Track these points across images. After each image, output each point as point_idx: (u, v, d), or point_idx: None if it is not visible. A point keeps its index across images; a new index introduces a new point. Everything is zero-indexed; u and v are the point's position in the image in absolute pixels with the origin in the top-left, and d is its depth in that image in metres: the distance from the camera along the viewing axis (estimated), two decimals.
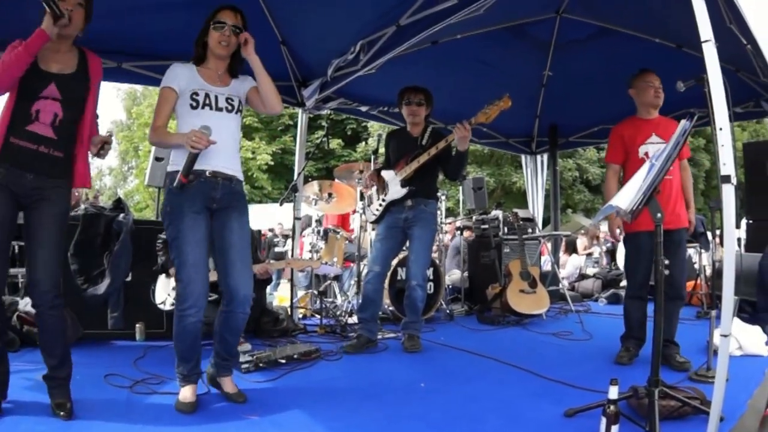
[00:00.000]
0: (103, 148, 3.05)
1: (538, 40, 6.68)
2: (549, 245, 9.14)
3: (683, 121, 2.91)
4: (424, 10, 4.56)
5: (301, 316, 6.32)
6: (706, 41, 2.61)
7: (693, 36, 5.17)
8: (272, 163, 26.92)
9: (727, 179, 2.48)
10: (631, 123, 4.38)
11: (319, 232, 6.25)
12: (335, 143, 26.82)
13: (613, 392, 2.51)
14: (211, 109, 3.17)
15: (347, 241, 6.81)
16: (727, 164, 2.51)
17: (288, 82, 6.11)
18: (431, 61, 6.26)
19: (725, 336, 2.36)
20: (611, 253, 12.02)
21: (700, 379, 3.63)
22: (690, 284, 7.01)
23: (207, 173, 3.12)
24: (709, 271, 7.04)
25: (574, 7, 6.01)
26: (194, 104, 3.15)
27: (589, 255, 12.66)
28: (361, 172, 5.87)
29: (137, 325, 4.81)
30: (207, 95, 3.17)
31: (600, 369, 4.13)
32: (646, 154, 4.12)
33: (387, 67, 5.38)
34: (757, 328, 4.55)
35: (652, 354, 2.84)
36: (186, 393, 3.13)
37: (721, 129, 2.55)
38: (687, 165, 4.47)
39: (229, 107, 3.24)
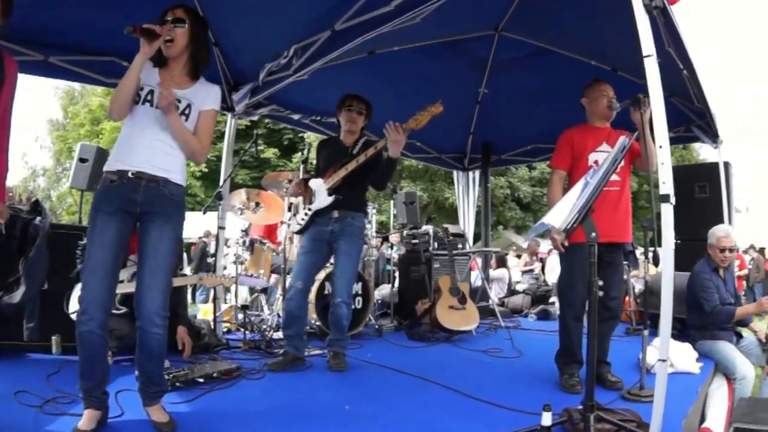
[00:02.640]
0: None
1: (475, 57, 6.69)
2: (479, 261, 9.16)
3: (622, 138, 2.86)
4: (360, 16, 4.46)
5: (225, 330, 6.08)
6: (648, 56, 2.55)
7: (628, 60, 5.28)
8: (206, 170, 26.22)
9: (666, 198, 2.43)
10: (582, 129, 4.24)
11: (244, 242, 6.03)
12: (271, 153, 26.52)
13: (547, 419, 2.43)
14: (150, 105, 2.94)
15: (274, 253, 6.61)
16: (666, 183, 2.46)
17: (219, 85, 5.85)
18: (367, 72, 6.17)
19: (663, 361, 2.29)
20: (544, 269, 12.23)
21: (633, 398, 3.58)
22: None
23: (129, 174, 2.87)
24: (638, 289, 7.17)
25: (513, 25, 6.03)
26: (137, 99, 2.95)
27: (530, 271, 12.82)
28: (290, 181, 5.68)
29: (53, 338, 4.49)
30: (151, 92, 2.95)
31: (531, 388, 4.05)
32: (596, 162, 3.94)
33: (321, 76, 5.27)
34: (688, 345, 4.59)
35: (586, 377, 2.76)
36: (84, 419, 2.78)
37: (660, 147, 2.50)
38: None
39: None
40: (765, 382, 4.96)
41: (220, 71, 5.78)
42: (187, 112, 3.04)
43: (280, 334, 5.38)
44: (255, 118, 6.59)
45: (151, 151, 2.91)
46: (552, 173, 4.29)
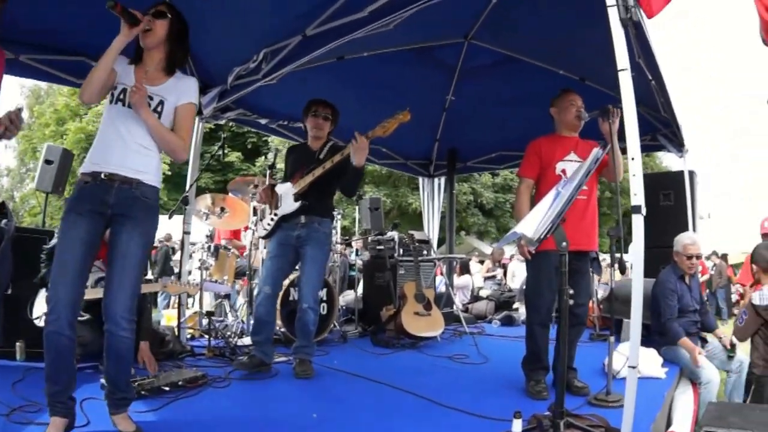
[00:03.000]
0: (8, 127, 2.75)
1: (444, 64, 6.72)
2: (444, 267, 9.22)
3: (595, 149, 2.91)
4: (332, 22, 4.46)
5: (189, 336, 5.99)
6: (623, 70, 2.62)
7: (596, 70, 5.36)
8: (170, 173, 25.88)
9: (637, 209, 2.48)
10: (550, 139, 4.30)
11: (209, 248, 5.97)
12: (234, 156, 26.31)
13: (517, 426, 2.46)
14: (123, 105, 2.91)
15: (239, 258, 6.56)
16: (637, 195, 2.52)
17: None
18: (335, 76, 6.16)
19: (633, 367, 2.34)
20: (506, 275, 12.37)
21: (600, 403, 3.64)
22: None
23: (102, 175, 2.83)
24: (601, 294, 7.31)
25: (483, 34, 6.07)
26: (110, 98, 2.93)
27: (492, 277, 12.96)
28: (256, 186, 5.65)
29: (17, 344, 4.39)
30: (124, 90, 2.92)
31: (498, 395, 4.09)
32: (563, 171, 4.03)
33: (289, 79, 5.25)
34: (653, 351, 4.70)
35: (556, 383, 2.80)
36: (50, 428, 2.71)
37: (633, 159, 2.56)
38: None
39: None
40: (732, 386, 5.08)
41: (189, 73, 5.64)
42: (159, 109, 3.00)
43: (245, 341, 5.37)
44: (222, 122, 6.52)
45: (125, 151, 2.88)
46: (520, 182, 4.33)
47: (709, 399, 4.45)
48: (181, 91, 3.09)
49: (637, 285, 2.56)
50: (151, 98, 2.95)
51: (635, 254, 2.57)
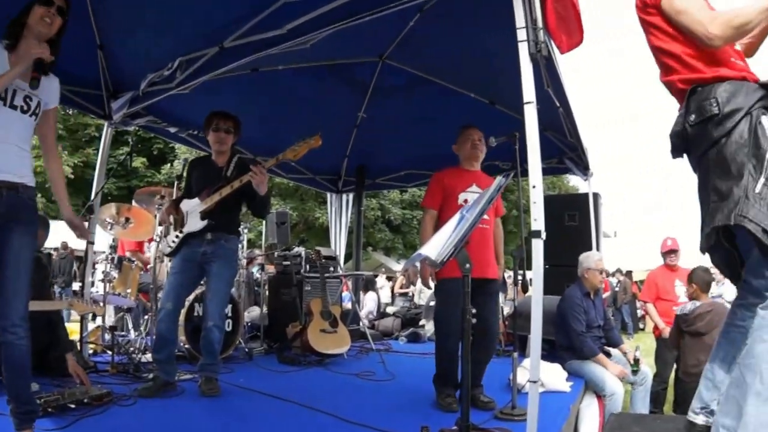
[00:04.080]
0: None
1: (357, 82, 6.90)
2: (350, 283, 9.36)
3: (499, 177, 3.14)
4: (251, 36, 4.52)
5: (91, 352, 5.88)
6: (529, 103, 2.87)
7: (505, 94, 5.66)
8: (72, 176, 24.76)
9: (537, 234, 2.75)
10: (453, 171, 4.57)
11: (113, 259, 5.87)
12: (139, 162, 25.51)
13: None
14: (4, 104, 2.85)
15: (142, 272, 6.49)
16: (537, 220, 2.78)
17: (97, 91, 5.74)
18: (249, 88, 6.24)
19: (534, 382, 2.57)
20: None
21: (506, 417, 3.82)
22: None
23: None
24: (506, 311, 7.64)
25: (398, 54, 6.29)
26: None
27: (405, 294, 13.27)
28: (163, 197, 5.63)
29: None
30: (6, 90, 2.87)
31: (405, 411, 4.21)
32: (465, 200, 4.29)
33: (202, 89, 5.26)
34: (557, 365, 4.97)
35: (460, 399, 2.98)
36: None
37: (534, 187, 2.82)
38: (500, 222, 4.74)
39: (25, 107, 2.93)
40: (636, 397, 5.46)
41: (101, 76, 5.65)
42: (37, 111, 3.02)
43: (148, 357, 5.30)
44: (131, 128, 6.46)
45: (6, 155, 2.86)
46: (424, 212, 4.58)
47: (614, 411, 4.74)
48: (51, 92, 3.13)
49: (537, 303, 2.82)
50: (30, 99, 2.96)
51: (535, 275, 2.83)
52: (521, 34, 3.06)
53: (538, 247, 2.77)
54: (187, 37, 4.96)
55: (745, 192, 2.24)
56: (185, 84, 5.03)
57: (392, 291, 15.88)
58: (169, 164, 25.82)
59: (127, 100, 5.62)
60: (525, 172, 3.29)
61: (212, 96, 5.75)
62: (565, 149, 7.23)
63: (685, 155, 2.67)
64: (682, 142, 2.59)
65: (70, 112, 21.99)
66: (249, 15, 4.49)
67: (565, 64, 4.46)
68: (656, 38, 2.66)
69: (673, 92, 2.69)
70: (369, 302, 11.61)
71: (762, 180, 2.23)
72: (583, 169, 7.47)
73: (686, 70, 2.55)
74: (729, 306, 2.68)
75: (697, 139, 2.49)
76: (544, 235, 2.76)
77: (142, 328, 6.15)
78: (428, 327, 8.48)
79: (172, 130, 6.72)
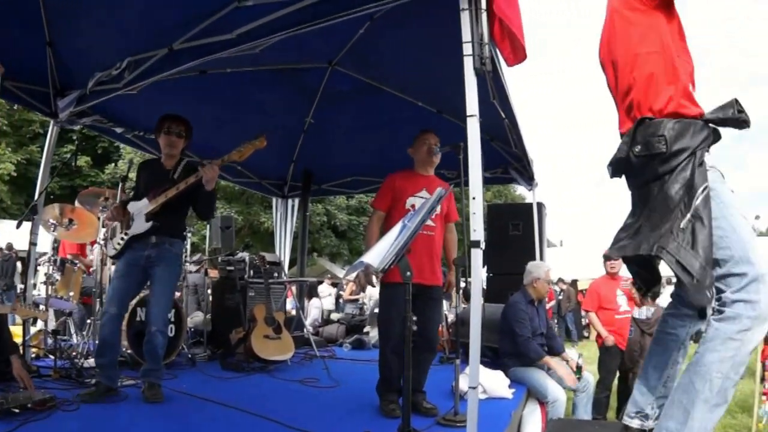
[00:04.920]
0: None
1: (306, 87, 6.96)
2: (294, 289, 9.42)
3: (439, 188, 3.29)
4: (200, 39, 4.56)
5: (34, 356, 5.79)
6: (471, 116, 3.01)
7: (452, 104, 5.80)
8: (15, 174, 24.00)
9: (476, 244, 2.89)
10: (406, 174, 4.69)
11: (55, 261, 5.82)
12: (83, 161, 24.92)
13: None
14: None
15: (85, 275, 6.44)
16: (477, 231, 2.93)
17: (45, 88, 5.68)
18: (196, 90, 6.23)
19: (473, 388, 2.70)
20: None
21: (448, 423, 3.94)
22: None
23: None
24: (450, 319, 7.78)
25: (347, 61, 6.36)
26: None
27: (355, 300, 13.37)
28: (107, 199, 5.61)
29: None
30: None
31: (349, 417, 4.31)
32: (413, 206, 4.42)
33: (149, 90, 5.26)
34: (500, 372, 5.11)
35: (402, 404, 3.09)
36: None
37: (474, 198, 2.96)
38: (453, 228, 4.88)
39: None
40: (579, 404, 5.64)
41: (49, 73, 5.57)
42: None
43: (91, 362, 5.26)
44: (77, 127, 6.39)
45: None
46: (373, 213, 4.71)
47: (557, 416, 4.93)
48: None
49: (476, 310, 2.96)
50: None
51: (474, 283, 2.98)
52: (467, 48, 3.18)
53: (477, 256, 2.91)
54: (137, 37, 4.96)
55: (671, 226, 2.40)
56: (133, 84, 5.03)
57: (336, 299, 15.95)
58: (113, 164, 25.29)
59: (74, 98, 5.57)
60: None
61: (160, 97, 5.76)
62: (510, 159, 7.43)
63: (624, 177, 2.81)
64: (624, 167, 2.73)
65: (15, 108, 21.56)
66: (199, 18, 4.51)
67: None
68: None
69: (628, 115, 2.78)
70: (313, 309, 11.67)
71: (688, 216, 2.38)
72: (528, 179, 7.71)
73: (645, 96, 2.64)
74: None
75: (641, 170, 2.62)
76: (483, 245, 2.90)
77: (84, 333, 6.09)
78: (373, 334, 8.59)
79: (119, 130, 6.69)
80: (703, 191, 2.41)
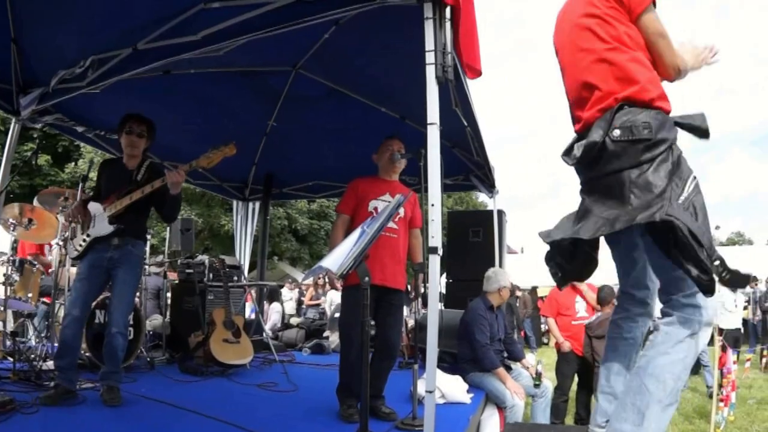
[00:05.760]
0: None
1: (269, 90, 6.98)
2: (254, 293, 9.44)
3: (398, 195, 3.37)
4: (165, 40, 4.55)
5: None
6: (432, 124, 3.10)
7: (415, 111, 5.89)
8: None
9: (434, 250, 2.99)
10: (370, 179, 4.78)
11: (14, 262, 5.77)
12: (43, 160, 24.48)
13: None
14: None
15: (44, 275, 6.37)
16: (435, 237, 3.03)
17: (7, 86, 5.61)
18: (159, 90, 6.22)
19: (430, 392, 2.78)
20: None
21: (406, 427, 4.00)
22: None
23: None
24: (410, 324, 7.84)
25: (311, 65, 6.40)
26: None
27: (317, 305, 13.39)
28: (67, 199, 5.57)
29: None
30: None
31: (307, 421, 4.36)
32: (375, 209, 4.51)
33: (112, 89, 5.24)
34: (458, 377, 5.20)
35: (360, 409, 3.16)
36: None
37: (433, 205, 3.06)
38: (419, 233, 4.94)
39: None
40: (537, 409, 5.78)
41: (13, 71, 5.52)
42: None
43: (50, 365, 5.22)
44: (38, 125, 6.32)
45: None
46: (337, 217, 4.79)
47: (514, 421, 5.02)
48: None
49: (432, 313, 3.05)
50: None
51: (431, 289, 3.08)
52: (429, 57, 3.26)
53: (435, 262, 3.00)
54: (101, 36, 4.93)
55: (669, 200, 2.33)
56: (96, 83, 4.99)
57: (298, 303, 15.97)
58: (73, 163, 24.86)
59: (37, 96, 5.50)
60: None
61: (123, 97, 5.76)
62: (471, 167, 7.57)
63: (583, 165, 2.70)
64: (596, 153, 2.56)
65: None
66: (164, 18, 4.52)
67: None
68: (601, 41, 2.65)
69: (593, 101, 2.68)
70: (273, 313, 11.67)
71: (684, 195, 2.36)
72: (489, 186, 7.85)
73: (624, 85, 2.56)
74: None
75: (616, 155, 2.49)
76: (441, 251, 2.99)
77: (44, 335, 6.03)
78: (332, 338, 8.65)
79: (80, 129, 6.65)
80: (692, 180, 2.41)
